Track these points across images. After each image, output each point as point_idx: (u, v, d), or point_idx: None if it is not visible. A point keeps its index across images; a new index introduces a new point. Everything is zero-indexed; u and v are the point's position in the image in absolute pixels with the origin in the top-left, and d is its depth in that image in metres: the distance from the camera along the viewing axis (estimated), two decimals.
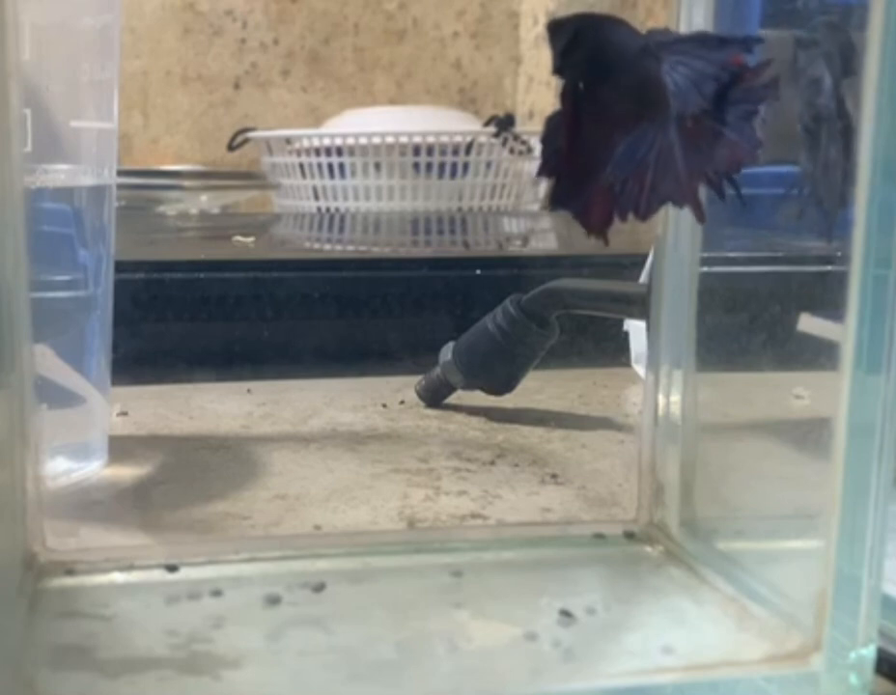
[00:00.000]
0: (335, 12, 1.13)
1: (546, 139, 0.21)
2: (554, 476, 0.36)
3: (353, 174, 0.90)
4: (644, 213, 0.21)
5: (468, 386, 0.44)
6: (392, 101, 1.14)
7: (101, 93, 0.34)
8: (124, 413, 0.42)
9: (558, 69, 0.21)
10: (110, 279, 0.36)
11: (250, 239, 0.64)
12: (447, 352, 0.44)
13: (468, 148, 0.90)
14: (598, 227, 0.21)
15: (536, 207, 0.98)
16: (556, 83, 0.21)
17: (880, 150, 0.19)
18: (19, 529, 0.24)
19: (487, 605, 0.24)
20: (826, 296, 0.21)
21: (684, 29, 0.25)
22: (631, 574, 0.26)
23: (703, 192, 0.22)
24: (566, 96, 0.21)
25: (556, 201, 0.22)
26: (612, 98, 0.21)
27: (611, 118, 0.21)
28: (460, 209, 0.91)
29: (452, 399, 0.45)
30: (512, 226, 0.89)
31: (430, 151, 0.89)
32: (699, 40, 0.21)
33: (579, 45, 0.20)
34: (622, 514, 0.31)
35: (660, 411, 0.27)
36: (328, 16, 1.13)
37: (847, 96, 0.22)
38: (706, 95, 0.20)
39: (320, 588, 0.25)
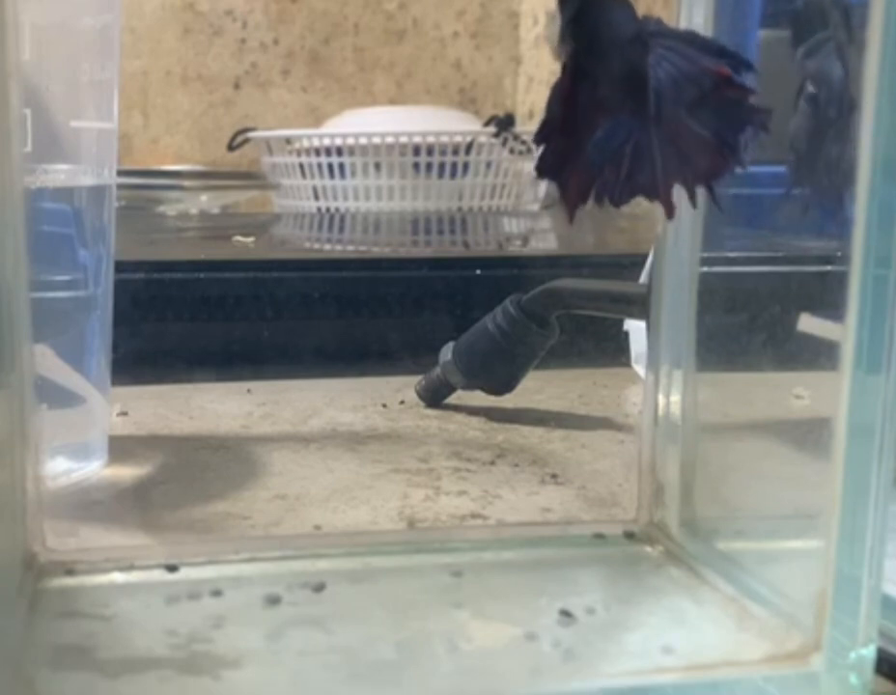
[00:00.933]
0: (335, 12, 1.13)
1: (549, 105, 0.21)
2: (554, 476, 0.36)
3: (353, 174, 0.90)
4: (618, 202, 0.21)
5: (468, 386, 0.44)
6: (392, 101, 1.14)
7: (101, 93, 0.34)
8: (124, 413, 0.42)
9: (562, 38, 0.21)
10: (110, 279, 0.36)
11: (250, 239, 0.64)
12: (447, 352, 0.43)
13: (468, 148, 0.90)
14: (572, 204, 0.21)
15: (536, 207, 0.98)
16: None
17: (880, 149, 0.19)
18: (19, 529, 0.24)
19: (487, 605, 0.24)
20: (826, 296, 0.21)
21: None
22: (631, 574, 0.26)
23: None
24: (565, 66, 0.21)
25: (541, 169, 0.22)
26: (603, 79, 0.21)
27: (600, 98, 0.21)
28: (460, 209, 0.91)
29: (452, 399, 0.45)
30: (512, 226, 0.89)
31: (430, 151, 0.89)
32: (690, 39, 0.21)
33: (582, 18, 0.20)
34: (622, 514, 0.31)
35: (660, 411, 0.27)
36: (328, 16, 1.13)
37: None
38: (684, 96, 0.20)
39: (320, 588, 0.25)
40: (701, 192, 0.22)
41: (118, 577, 0.25)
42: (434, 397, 0.45)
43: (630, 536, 0.28)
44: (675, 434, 0.27)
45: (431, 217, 0.88)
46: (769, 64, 0.23)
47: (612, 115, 0.21)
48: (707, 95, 0.20)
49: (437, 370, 0.44)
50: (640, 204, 0.22)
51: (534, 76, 1.14)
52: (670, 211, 0.21)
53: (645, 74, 0.20)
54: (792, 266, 0.25)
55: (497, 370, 0.43)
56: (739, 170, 0.21)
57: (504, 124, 0.91)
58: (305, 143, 0.93)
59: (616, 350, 0.48)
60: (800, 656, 0.21)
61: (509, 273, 0.55)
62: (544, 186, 0.98)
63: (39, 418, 0.26)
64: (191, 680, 0.21)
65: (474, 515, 0.32)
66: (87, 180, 0.34)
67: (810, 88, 0.23)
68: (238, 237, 0.64)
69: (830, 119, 0.23)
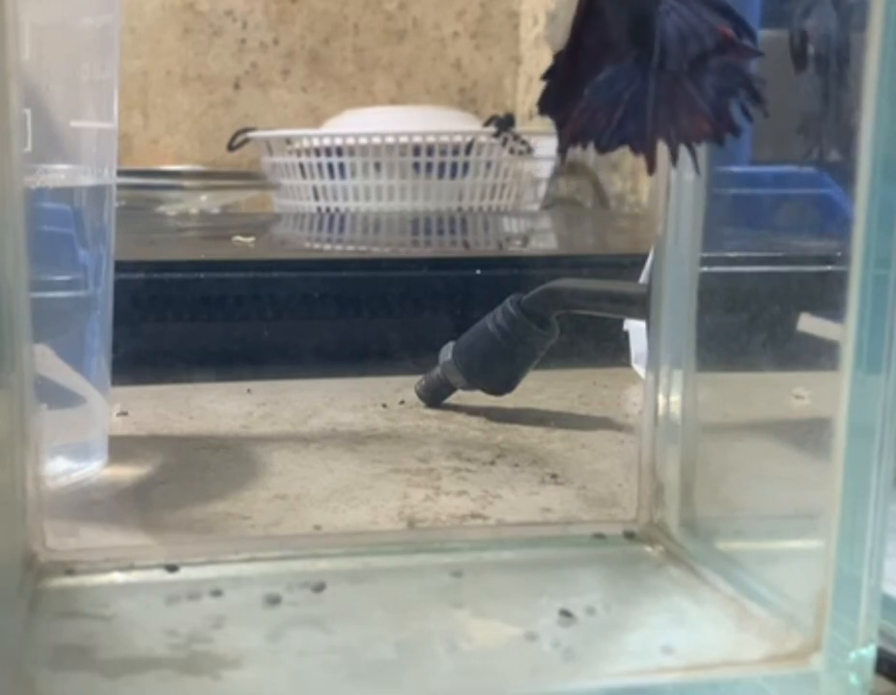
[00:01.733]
0: (335, 12, 1.13)
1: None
2: (554, 476, 0.36)
3: (353, 174, 0.90)
4: (604, 148, 0.21)
5: (468, 386, 0.44)
6: (392, 101, 1.14)
7: (101, 93, 0.34)
8: (124, 413, 0.42)
9: None
10: (110, 279, 0.36)
11: (250, 239, 0.64)
12: (447, 352, 0.43)
13: (468, 148, 0.90)
14: (565, 145, 0.21)
15: (536, 207, 0.98)
16: None
17: (880, 149, 0.19)
18: (19, 529, 0.24)
19: (487, 605, 0.24)
20: (826, 296, 0.21)
21: None
22: (631, 574, 0.26)
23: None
24: (580, 4, 0.21)
25: (542, 105, 0.21)
26: (612, 22, 0.21)
27: (607, 42, 0.21)
28: (460, 209, 0.91)
29: (452, 399, 0.45)
30: (512, 226, 0.89)
31: (430, 151, 0.89)
32: None
33: None
34: (622, 514, 0.31)
35: (660, 411, 0.27)
36: (328, 16, 1.13)
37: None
38: (686, 52, 0.20)
39: (320, 588, 0.25)
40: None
41: (118, 577, 0.25)
42: (434, 397, 0.45)
43: (630, 536, 0.28)
44: (675, 434, 0.27)
45: (431, 217, 0.88)
46: (769, 63, 0.22)
47: (616, 60, 0.21)
48: (708, 54, 0.20)
49: (437, 370, 0.44)
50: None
51: (534, 76, 1.14)
52: (651, 166, 0.21)
53: (653, 24, 0.20)
54: (792, 266, 0.25)
55: (497, 370, 0.43)
56: (728, 136, 0.21)
57: (504, 124, 0.91)
58: (305, 143, 0.93)
59: (616, 350, 0.48)
60: (800, 656, 0.21)
61: (509, 273, 0.55)
62: (544, 186, 0.98)
63: (39, 418, 0.26)
64: (191, 680, 0.21)
65: (474, 515, 0.32)
66: (87, 180, 0.34)
67: (812, 48, 0.23)
68: (238, 237, 0.64)
69: (832, 73, 0.23)
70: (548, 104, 0.21)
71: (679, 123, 0.21)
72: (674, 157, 0.21)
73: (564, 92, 0.21)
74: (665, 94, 0.21)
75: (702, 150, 0.25)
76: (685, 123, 0.21)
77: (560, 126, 0.21)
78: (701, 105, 0.21)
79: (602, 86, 0.21)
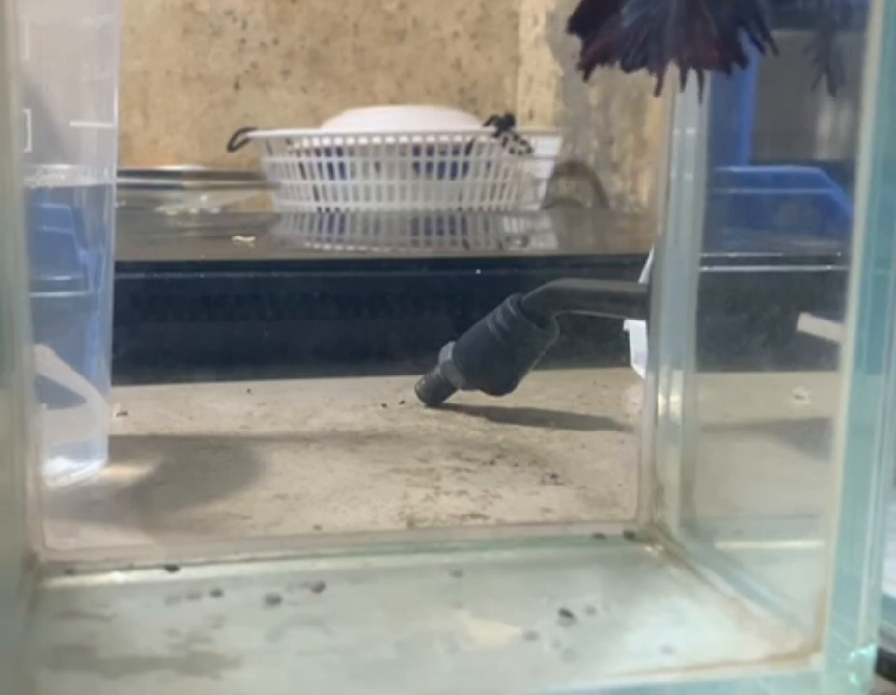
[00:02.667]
0: (335, 12, 1.13)
1: None
2: (554, 476, 0.36)
3: (353, 174, 0.90)
4: (629, 66, 0.21)
5: (468, 386, 0.44)
6: (392, 101, 1.14)
7: (101, 93, 0.34)
8: (124, 413, 0.42)
9: None
10: (110, 279, 0.36)
11: (250, 239, 0.64)
12: (447, 352, 0.43)
13: (468, 148, 0.90)
14: (588, 61, 0.21)
15: (536, 207, 0.98)
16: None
17: (880, 149, 0.19)
18: (19, 529, 0.24)
19: (487, 605, 0.24)
20: (826, 296, 0.21)
21: None
22: (631, 574, 0.26)
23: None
24: None
25: (572, 24, 0.22)
26: None
27: None
28: (460, 209, 0.91)
29: (452, 399, 0.45)
30: (512, 226, 0.89)
31: (430, 151, 0.89)
32: None
33: None
34: (622, 514, 0.31)
35: (660, 411, 0.27)
36: (328, 16, 1.13)
37: None
38: None
39: (320, 588, 0.25)
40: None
41: (118, 577, 0.25)
42: (434, 397, 0.45)
43: (630, 536, 0.28)
44: (675, 434, 0.27)
45: (431, 217, 0.88)
46: (772, 62, 0.22)
47: None
48: None
49: (437, 370, 0.44)
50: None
51: (534, 76, 1.14)
52: (658, 89, 0.21)
53: None
54: (792, 266, 0.25)
55: (497, 370, 0.43)
56: (735, 66, 0.21)
57: (504, 124, 0.91)
58: (305, 143, 0.93)
59: (616, 350, 0.48)
60: (800, 656, 0.21)
61: (509, 273, 0.55)
62: (544, 186, 0.98)
63: (39, 418, 0.26)
64: (191, 679, 0.21)
65: (474, 515, 0.32)
66: (87, 180, 0.34)
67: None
68: (238, 237, 0.64)
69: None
70: (578, 23, 0.21)
71: (691, 46, 0.21)
72: (682, 81, 0.21)
73: (594, 13, 0.21)
74: (683, 16, 0.21)
75: (702, 149, 0.25)
76: (696, 47, 0.21)
77: (587, 44, 0.21)
78: (713, 31, 0.21)
79: (636, 4, 0.21)
